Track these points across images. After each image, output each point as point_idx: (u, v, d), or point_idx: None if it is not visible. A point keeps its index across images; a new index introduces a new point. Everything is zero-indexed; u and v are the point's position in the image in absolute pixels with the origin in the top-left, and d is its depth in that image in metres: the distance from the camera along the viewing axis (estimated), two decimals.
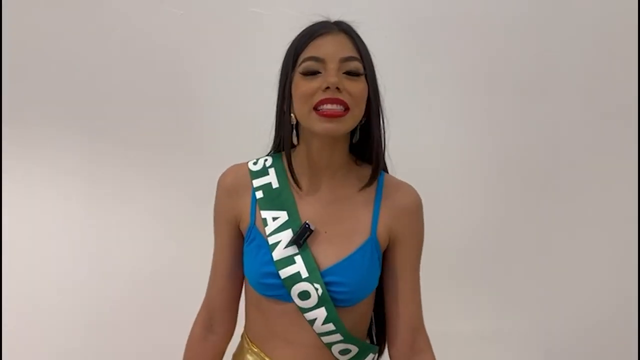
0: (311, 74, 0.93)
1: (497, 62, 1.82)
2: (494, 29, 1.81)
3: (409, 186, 1.05)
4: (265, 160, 1.05)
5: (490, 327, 1.88)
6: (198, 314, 1.10)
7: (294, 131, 0.99)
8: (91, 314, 1.86)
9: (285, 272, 0.95)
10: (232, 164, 1.08)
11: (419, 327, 1.04)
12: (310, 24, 0.99)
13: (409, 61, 1.80)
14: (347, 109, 0.91)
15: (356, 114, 0.94)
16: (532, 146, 1.85)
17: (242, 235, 1.04)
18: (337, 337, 0.97)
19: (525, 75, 1.83)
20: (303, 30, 0.98)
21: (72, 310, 1.86)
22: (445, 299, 1.64)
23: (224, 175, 1.06)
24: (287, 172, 1.01)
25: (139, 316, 1.85)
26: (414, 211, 1.02)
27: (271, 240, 0.97)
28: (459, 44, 1.82)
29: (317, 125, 0.91)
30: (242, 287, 1.09)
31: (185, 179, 1.83)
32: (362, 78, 0.94)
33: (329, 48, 0.93)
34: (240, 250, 1.05)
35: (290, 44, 0.99)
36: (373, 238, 0.98)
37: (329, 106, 0.90)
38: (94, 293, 1.86)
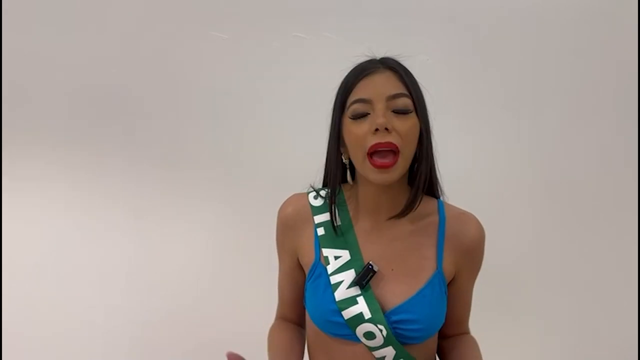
0: (360, 116, 0.91)
1: (543, 87, 1.79)
2: (541, 50, 1.78)
3: (473, 218, 1.02)
4: (327, 195, 1.02)
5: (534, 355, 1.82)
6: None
7: (348, 170, 1.01)
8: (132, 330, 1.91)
9: (348, 313, 0.93)
10: (291, 192, 1.05)
11: (463, 325, 1.08)
12: (357, 63, 0.97)
13: (453, 84, 1.78)
14: (397, 151, 0.89)
15: (407, 155, 0.91)
16: (578, 172, 1.80)
17: (302, 267, 1.04)
18: None
19: (572, 100, 1.79)
20: (349, 72, 0.96)
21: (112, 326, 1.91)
22: (488, 326, 1.61)
23: (284, 206, 1.04)
24: (349, 209, 1.00)
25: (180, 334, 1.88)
26: (479, 244, 1.01)
27: (333, 279, 0.95)
28: (505, 66, 1.79)
29: (371, 175, 0.91)
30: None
31: (226, 196, 1.86)
32: (412, 114, 0.92)
33: (376, 88, 0.91)
34: (300, 280, 1.05)
35: (339, 85, 0.97)
36: (439, 272, 0.96)
37: (380, 154, 0.89)
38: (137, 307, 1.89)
